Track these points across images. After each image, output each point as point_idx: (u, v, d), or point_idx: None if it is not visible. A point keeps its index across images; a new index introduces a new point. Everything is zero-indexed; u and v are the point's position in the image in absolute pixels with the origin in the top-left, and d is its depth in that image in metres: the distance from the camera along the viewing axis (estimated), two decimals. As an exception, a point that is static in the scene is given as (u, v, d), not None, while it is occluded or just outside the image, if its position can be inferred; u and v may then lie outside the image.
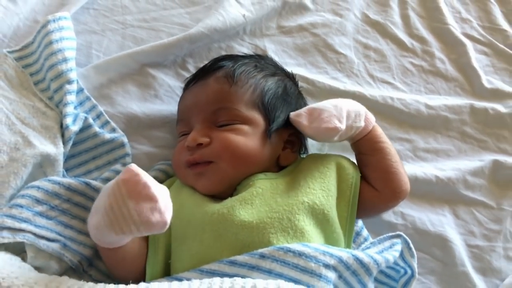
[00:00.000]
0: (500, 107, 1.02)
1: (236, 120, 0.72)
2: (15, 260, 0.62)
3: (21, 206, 0.65)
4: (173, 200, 0.71)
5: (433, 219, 0.89)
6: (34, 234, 0.64)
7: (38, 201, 0.67)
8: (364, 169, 0.77)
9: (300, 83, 0.90)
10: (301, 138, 0.80)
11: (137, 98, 0.87)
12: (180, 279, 0.60)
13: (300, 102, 0.82)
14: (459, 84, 1.04)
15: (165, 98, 0.88)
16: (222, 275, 0.59)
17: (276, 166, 0.76)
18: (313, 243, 0.64)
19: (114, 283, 0.57)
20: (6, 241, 0.62)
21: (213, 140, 0.71)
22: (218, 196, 0.70)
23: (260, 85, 0.76)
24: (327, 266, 0.60)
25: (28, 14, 0.88)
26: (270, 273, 0.59)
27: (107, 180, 0.77)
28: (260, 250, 0.61)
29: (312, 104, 0.77)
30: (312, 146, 0.89)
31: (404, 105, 0.97)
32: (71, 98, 0.78)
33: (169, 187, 0.75)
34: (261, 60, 0.82)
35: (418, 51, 1.06)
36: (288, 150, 0.76)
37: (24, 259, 0.64)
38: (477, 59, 1.07)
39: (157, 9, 0.96)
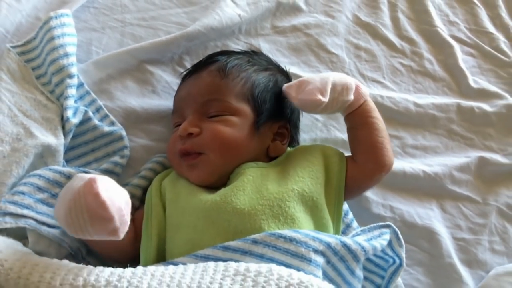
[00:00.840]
0: (485, 106, 1.04)
1: (226, 112, 0.75)
2: (17, 245, 0.63)
3: (23, 193, 0.67)
4: (169, 190, 0.74)
5: (421, 213, 0.91)
6: (36, 220, 0.66)
7: (39, 189, 0.69)
8: (352, 142, 0.79)
9: (294, 81, 0.93)
10: (291, 131, 0.82)
11: (135, 93, 0.89)
12: (175, 264, 0.61)
13: None
14: (447, 84, 1.07)
15: (162, 93, 0.90)
16: (216, 259, 0.61)
17: (266, 157, 0.78)
18: (303, 229, 0.66)
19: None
20: (8, 226, 0.64)
21: (203, 130, 0.73)
22: (212, 186, 0.73)
23: (251, 78, 0.78)
24: (316, 251, 0.62)
25: (30, 11, 0.90)
26: (262, 257, 0.61)
27: (105, 171, 0.79)
28: (252, 236, 0.62)
29: (304, 77, 0.79)
30: (304, 141, 0.92)
31: (393, 103, 1.00)
32: (72, 91, 0.80)
33: (165, 177, 0.78)
34: (254, 56, 0.85)
35: (407, 52, 1.09)
36: (278, 142, 0.78)
37: (25, 245, 0.66)
38: (464, 60, 1.10)
39: (155, 9, 0.99)
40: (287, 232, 0.63)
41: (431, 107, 1.02)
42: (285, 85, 0.78)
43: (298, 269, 0.59)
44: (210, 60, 0.82)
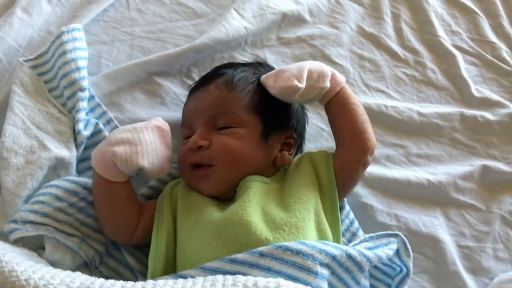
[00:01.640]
0: (488, 115, 1.05)
1: (234, 124, 0.76)
2: (32, 255, 0.65)
3: (43, 202, 0.69)
4: (181, 200, 0.75)
5: (426, 221, 0.92)
6: (55, 228, 0.68)
7: (58, 198, 0.71)
8: (335, 132, 0.80)
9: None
10: (297, 141, 0.83)
11: (144, 105, 0.91)
12: (184, 277, 0.62)
13: (297, 106, 0.86)
14: (450, 93, 1.08)
15: (171, 105, 0.92)
16: (224, 272, 0.61)
17: (273, 167, 0.79)
18: (308, 237, 0.67)
19: (124, 280, 0.60)
20: (29, 234, 0.66)
21: (212, 143, 0.75)
22: (222, 197, 0.75)
23: (258, 90, 0.80)
24: (322, 264, 0.63)
25: (42, 25, 0.93)
26: (269, 270, 0.61)
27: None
28: (259, 249, 0.63)
29: (283, 67, 0.80)
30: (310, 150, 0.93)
31: (397, 113, 1.01)
32: (83, 105, 0.82)
33: (176, 186, 0.80)
34: (260, 67, 0.86)
35: (411, 61, 1.10)
36: (285, 152, 0.80)
37: (40, 254, 0.68)
38: (467, 69, 1.11)
39: (163, 21, 1.01)
40: (293, 244, 0.63)
41: (435, 116, 1.03)
42: (263, 76, 0.79)
43: (305, 282, 0.60)
44: (217, 73, 0.83)
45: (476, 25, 1.18)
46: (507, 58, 1.14)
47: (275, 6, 1.05)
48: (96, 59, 0.93)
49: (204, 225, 0.69)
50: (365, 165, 0.79)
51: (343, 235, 0.80)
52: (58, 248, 0.68)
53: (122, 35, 0.98)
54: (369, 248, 0.71)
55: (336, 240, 0.73)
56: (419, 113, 1.02)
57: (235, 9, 1.02)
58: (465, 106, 1.07)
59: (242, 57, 1.00)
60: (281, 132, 0.80)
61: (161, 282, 0.58)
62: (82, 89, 0.82)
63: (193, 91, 0.85)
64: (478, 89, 1.09)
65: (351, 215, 0.85)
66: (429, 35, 1.14)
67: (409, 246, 0.75)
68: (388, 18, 1.15)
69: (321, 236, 0.71)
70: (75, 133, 0.81)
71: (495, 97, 1.09)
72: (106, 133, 0.83)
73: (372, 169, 0.93)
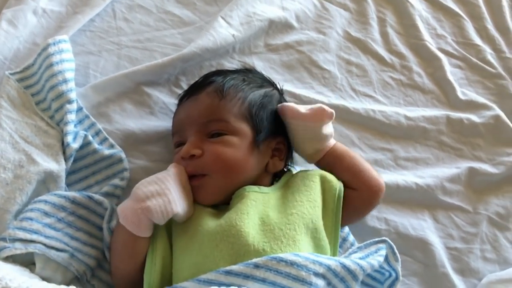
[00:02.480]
0: (474, 117, 1.06)
1: (226, 131, 0.77)
2: (24, 271, 0.65)
3: (31, 219, 0.69)
4: None
5: (414, 224, 0.94)
6: (45, 244, 0.67)
7: (46, 214, 0.70)
8: (339, 176, 0.81)
9: (288, 98, 0.95)
10: (288, 146, 0.84)
11: (133, 116, 0.91)
12: None
13: None
14: (436, 96, 1.09)
15: (160, 114, 0.92)
16: (219, 284, 0.61)
17: (266, 173, 0.80)
18: (304, 251, 0.68)
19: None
20: (18, 252, 0.65)
21: (204, 152, 0.75)
22: (218, 205, 0.75)
23: (248, 97, 0.80)
24: (316, 274, 0.64)
25: (28, 37, 0.92)
26: (264, 281, 0.62)
27: (106, 194, 0.80)
28: (254, 260, 0.64)
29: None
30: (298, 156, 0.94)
31: (385, 117, 1.02)
32: (71, 117, 0.82)
33: None
34: (249, 74, 0.87)
35: (397, 66, 1.11)
36: (276, 158, 0.81)
37: (32, 270, 0.68)
38: (452, 72, 1.12)
39: (150, 30, 1.01)
40: (288, 255, 0.64)
41: (422, 120, 1.04)
42: (285, 104, 0.82)
43: None
44: (206, 81, 0.84)
45: (460, 28, 1.20)
46: (492, 60, 1.16)
47: (262, 13, 1.06)
48: (84, 69, 0.93)
49: (201, 237, 0.70)
50: (374, 205, 0.83)
51: None
52: (48, 264, 0.68)
53: (109, 45, 0.97)
54: (360, 258, 0.72)
55: (333, 254, 0.74)
56: (406, 117, 1.04)
57: (222, 17, 1.02)
58: (451, 109, 1.08)
59: (231, 65, 1.00)
60: (272, 139, 0.81)
61: None
62: (70, 101, 0.82)
63: (182, 99, 0.85)
64: (464, 92, 1.10)
65: None
66: (414, 39, 1.15)
67: (396, 251, 0.77)
68: (374, 23, 1.15)
69: (320, 251, 0.72)
70: (63, 146, 0.80)
71: (481, 99, 1.10)
72: (96, 145, 0.83)
73: (361, 174, 0.94)
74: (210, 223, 0.71)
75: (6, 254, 0.66)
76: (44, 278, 0.66)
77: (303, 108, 0.81)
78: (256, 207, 0.72)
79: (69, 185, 0.81)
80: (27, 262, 0.69)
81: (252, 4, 1.05)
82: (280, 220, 0.71)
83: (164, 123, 0.91)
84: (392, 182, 0.95)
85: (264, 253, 0.66)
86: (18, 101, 0.83)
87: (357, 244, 0.83)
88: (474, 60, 1.16)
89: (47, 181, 0.77)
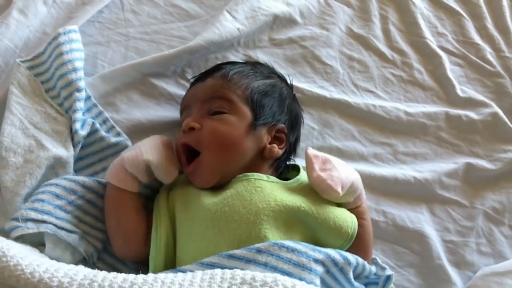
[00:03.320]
0: (473, 114, 1.08)
1: (226, 110, 0.79)
2: (34, 251, 0.67)
3: (43, 200, 0.71)
4: (178, 199, 0.77)
5: (412, 217, 0.95)
6: (55, 225, 0.69)
7: (57, 196, 0.72)
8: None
9: (290, 92, 0.97)
10: (289, 137, 0.85)
11: (140, 106, 0.92)
12: (184, 271, 0.64)
13: (293, 104, 0.88)
14: (435, 93, 1.11)
15: (166, 105, 0.94)
16: (222, 267, 0.62)
17: (263, 160, 0.81)
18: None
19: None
20: (30, 231, 0.67)
21: (203, 127, 0.78)
22: (220, 191, 0.76)
23: (251, 84, 0.83)
24: (316, 260, 0.66)
25: (38, 27, 0.94)
26: (265, 266, 0.64)
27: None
28: (256, 245, 0.65)
29: (330, 156, 0.80)
30: (301, 149, 0.96)
31: (385, 112, 1.04)
32: (80, 105, 0.83)
33: (172, 186, 0.81)
34: (258, 65, 0.90)
35: (398, 62, 1.13)
36: (275, 145, 0.81)
37: (40, 251, 0.69)
38: (452, 70, 1.14)
39: (157, 23, 1.03)
40: (289, 242, 0.66)
41: (421, 116, 1.06)
42: (312, 151, 0.78)
43: (300, 278, 0.63)
44: (216, 68, 0.87)
45: (461, 27, 1.21)
46: (491, 59, 1.17)
47: (266, 8, 1.08)
48: (92, 59, 0.95)
49: (205, 223, 0.71)
50: None
51: None
52: (58, 245, 0.69)
53: (117, 36, 0.99)
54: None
55: None
56: (406, 113, 1.05)
57: (227, 11, 1.04)
58: (450, 106, 1.10)
59: (235, 58, 1.02)
60: (272, 126, 0.82)
61: (161, 275, 0.60)
62: (79, 90, 0.84)
63: (192, 84, 0.89)
64: (463, 89, 1.12)
65: None
66: (416, 37, 1.17)
67: (381, 263, 0.81)
68: (376, 20, 1.17)
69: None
70: (72, 132, 0.82)
71: (479, 97, 1.11)
72: (103, 133, 0.85)
73: (361, 167, 0.96)
74: (213, 209, 0.72)
75: (18, 234, 0.67)
76: (53, 258, 0.67)
77: (318, 165, 0.76)
78: (262, 193, 0.73)
79: (76, 171, 0.83)
80: (36, 243, 0.70)
81: (257, -1, 1.07)
82: (286, 208, 0.72)
83: (170, 113, 0.93)
84: (391, 175, 0.97)
85: (265, 239, 0.68)
86: (29, 88, 0.84)
87: None
88: (474, 58, 1.17)
89: (56, 166, 0.78)
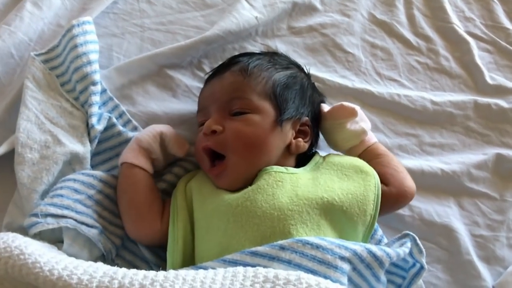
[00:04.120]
0: (502, 103, 1.04)
1: (248, 109, 0.76)
2: (53, 248, 0.66)
3: (62, 196, 0.70)
4: (196, 192, 0.75)
5: (439, 210, 0.92)
6: (75, 220, 0.68)
7: (76, 191, 0.71)
8: (376, 167, 0.80)
9: (311, 82, 0.94)
10: (313, 129, 0.83)
11: (156, 98, 0.91)
12: (205, 268, 0.63)
13: (314, 94, 0.86)
14: (463, 80, 1.07)
15: (182, 97, 0.92)
16: (244, 265, 0.61)
17: (289, 155, 0.79)
18: (328, 237, 0.67)
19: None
20: (51, 227, 0.66)
21: (225, 129, 0.75)
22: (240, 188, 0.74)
23: (272, 77, 0.80)
24: (342, 258, 0.64)
25: (52, 19, 0.93)
26: (289, 263, 0.62)
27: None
28: (280, 242, 0.63)
29: None
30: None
31: (410, 102, 1.01)
32: (96, 98, 0.82)
33: (190, 179, 0.79)
34: (275, 56, 0.87)
35: (423, 49, 1.09)
36: (300, 139, 0.79)
37: (58, 248, 0.68)
38: (480, 56, 1.10)
39: (173, 13, 1.01)
40: (313, 239, 0.64)
41: (448, 105, 1.03)
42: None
43: (325, 276, 0.61)
44: (232, 61, 0.84)
45: (490, 11, 1.17)
46: (522, 44, 1.13)
47: (285, -6, 1.05)
48: (107, 52, 0.94)
49: (226, 217, 0.69)
50: (402, 205, 0.84)
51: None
52: (76, 241, 0.68)
53: (132, 27, 0.97)
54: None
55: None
56: (432, 102, 1.02)
57: (245, -1, 1.01)
58: (479, 94, 1.06)
59: (253, 48, 1.00)
60: (296, 119, 0.80)
61: (182, 272, 0.59)
62: (94, 83, 0.82)
63: (209, 79, 0.85)
64: (492, 77, 1.08)
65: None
66: (442, 22, 1.13)
67: (419, 242, 0.75)
68: (400, 5, 1.13)
69: (348, 233, 0.72)
70: (88, 127, 0.81)
71: (510, 84, 1.07)
72: (120, 127, 0.84)
73: (385, 159, 0.93)
74: (234, 203, 0.70)
75: (38, 229, 0.67)
76: (71, 255, 0.66)
77: (326, 107, 0.82)
78: (284, 188, 0.71)
79: (93, 166, 0.82)
80: (54, 240, 0.69)
81: (275, -14, 1.04)
82: (309, 201, 0.70)
83: (186, 105, 0.91)
84: (416, 167, 0.94)
85: (290, 235, 0.66)
86: (44, 82, 0.83)
87: (385, 240, 0.82)
88: (504, 44, 1.13)
89: (72, 162, 0.77)
